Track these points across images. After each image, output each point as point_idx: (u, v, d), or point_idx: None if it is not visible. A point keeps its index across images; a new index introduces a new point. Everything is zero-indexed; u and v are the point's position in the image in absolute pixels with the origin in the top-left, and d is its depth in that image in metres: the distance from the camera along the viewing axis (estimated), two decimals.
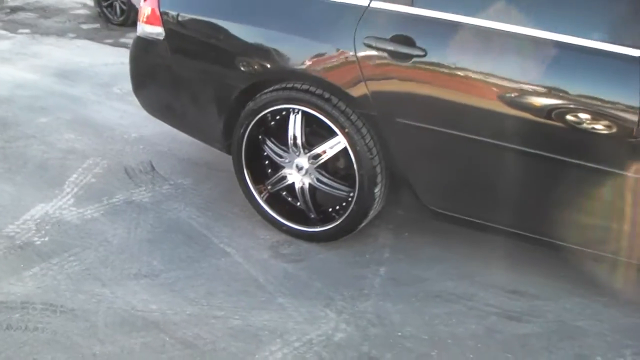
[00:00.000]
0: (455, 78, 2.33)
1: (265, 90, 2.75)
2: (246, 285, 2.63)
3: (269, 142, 2.88)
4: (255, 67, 2.73)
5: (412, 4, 2.40)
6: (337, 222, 2.79)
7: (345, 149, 2.66)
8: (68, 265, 2.73)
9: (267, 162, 2.97)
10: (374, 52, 2.45)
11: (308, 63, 2.61)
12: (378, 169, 2.63)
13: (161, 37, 2.98)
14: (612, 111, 2.09)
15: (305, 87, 2.65)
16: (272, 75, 2.72)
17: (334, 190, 2.79)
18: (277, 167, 2.93)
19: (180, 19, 2.92)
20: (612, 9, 2.15)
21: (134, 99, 3.44)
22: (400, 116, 2.48)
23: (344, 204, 2.82)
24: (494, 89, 2.27)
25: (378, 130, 2.56)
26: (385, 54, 2.44)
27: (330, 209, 2.88)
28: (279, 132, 2.86)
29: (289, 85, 2.68)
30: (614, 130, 2.09)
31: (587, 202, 2.27)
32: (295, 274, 2.71)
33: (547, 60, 2.19)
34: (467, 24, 2.30)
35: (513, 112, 2.24)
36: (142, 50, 3.14)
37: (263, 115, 2.78)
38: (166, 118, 3.30)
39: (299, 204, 2.95)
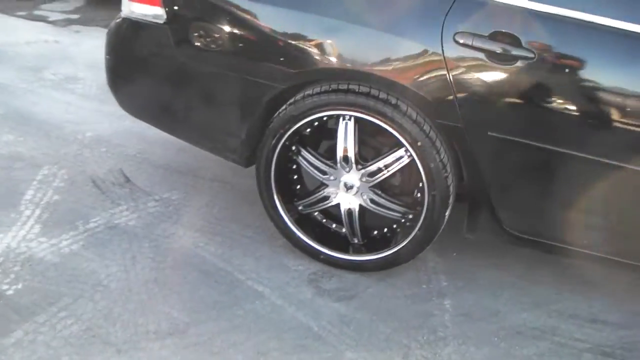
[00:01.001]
0: (570, 87, 1.95)
1: (309, 93, 2.23)
2: (301, 337, 2.12)
3: (307, 155, 2.35)
4: (303, 63, 2.18)
5: None
6: (394, 250, 2.34)
7: (408, 165, 2.24)
8: (61, 325, 2.08)
9: (295, 177, 2.48)
10: (467, 51, 2.00)
11: (375, 61, 2.11)
12: (451, 189, 2.21)
13: (160, 21, 2.34)
14: None
15: (364, 89, 2.16)
16: (324, 75, 2.20)
17: (390, 213, 2.35)
18: (314, 185, 2.44)
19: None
20: None
21: (75, 86, 2.79)
22: (495, 129, 2.05)
23: (394, 226, 2.39)
24: (618, 100, 1.92)
25: (461, 144, 2.14)
26: (481, 54, 1.99)
27: (375, 233, 2.44)
28: (319, 143, 2.37)
29: (342, 87, 2.18)
30: None
31: None
32: (352, 316, 2.24)
33: None
34: (592, 22, 1.91)
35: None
36: (130, 36, 2.47)
37: (304, 123, 2.27)
38: (158, 121, 2.66)
39: (334, 226, 2.49)
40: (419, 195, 2.28)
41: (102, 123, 3.26)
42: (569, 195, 2.08)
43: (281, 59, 2.20)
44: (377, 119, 2.16)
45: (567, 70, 1.93)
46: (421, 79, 2.07)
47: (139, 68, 2.53)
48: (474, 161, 2.15)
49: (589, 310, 2.36)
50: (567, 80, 1.94)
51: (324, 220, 2.49)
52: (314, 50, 2.15)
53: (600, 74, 1.92)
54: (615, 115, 1.91)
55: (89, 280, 2.28)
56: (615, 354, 2.18)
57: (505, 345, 2.17)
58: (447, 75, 2.03)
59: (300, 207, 2.46)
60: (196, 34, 2.32)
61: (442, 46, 2.02)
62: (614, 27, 1.88)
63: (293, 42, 2.17)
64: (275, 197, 2.41)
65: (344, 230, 2.46)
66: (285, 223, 2.44)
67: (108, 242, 2.48)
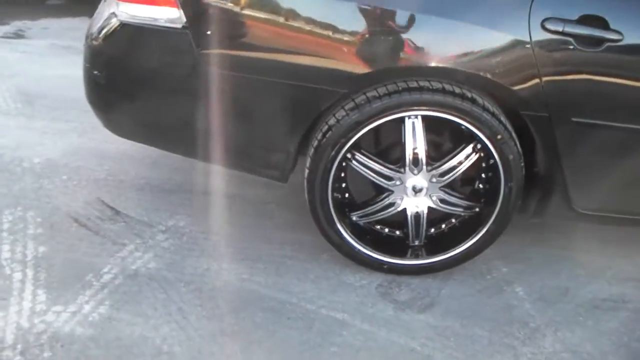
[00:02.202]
0: None
1: (374, 95, 1.97)
2: None
3: (366, 161, 2.10)
4: (373, 62, 1.92)
5: None
6: (465, 247, 2.23)
7: (479, 159, 2.11)
8: None
9: (343, 185, 2.23)
10: (556, 38, 1.88)
11: (456, 55, 1.92)
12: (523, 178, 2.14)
13: (177, 25, 1.92)
14: None
15: (438, 86, 1.97)
16: (398, 74, 1.95)
17: (458, 210, 2.21)
18: (366, 192, 2.22)
19: None
20: None
21: None
22: (579, 115, 1.99)
23: (453, 221, 2.27)
24: None
25: (544, 132, 2.04)
26: (570, 39, 1.89)
27: (432, 232, 2.29)
28: (379, 147, 2.13)
29: (414, 85, 1.95)
30: None
31: None
32: (444, 325, 2.09)
33: None
34: None
35: None
36: (133, 45, 2.01)
37: (370, 128, 2.02)
38: (167, 142, 2.25)
39: (387, 230, 2.30)
40: (487, 187, 2.18)
41: (44, 144, 2.68)
42: None
43: (344, 59, 1.91)
44: (454, 115, 1.99)
45: None
46: (507, 69, 1.92)
47: (147, 82, 2.07)
48: (554, 147, 2.07)
49: (637, 270, 2.47)
50: None
51: (378, 227, 2.29)
52: (387, 48, 1.91)
53: None
54: None
55: (146, 350, 1.87)
56: None
57: (592, 323, 2.17)
58: (536, 64, 1.90)
59: (354, 218, 2.23)
60: (228, 36, 1.94)
61: (530, 34, 1.88)
62: None
63: (360, 39, 1.90)
64: (333, 212, 2.16)
65: (397, 232, 2.29)
66: (344, 238, 2.20)
67: (139, 295, 2.06)
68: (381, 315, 2.11)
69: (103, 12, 2.14)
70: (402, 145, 2.07)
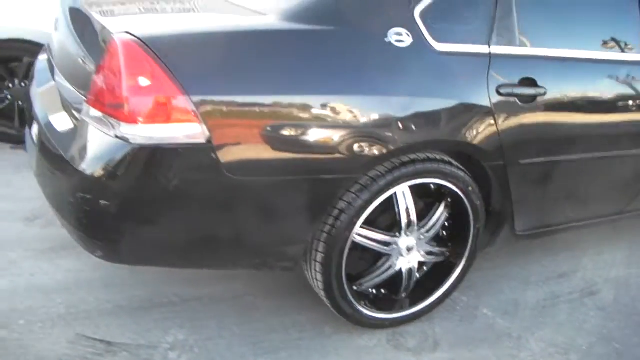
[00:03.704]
0: (572, 108, 2.48)
1: (375, 175, 2.18)
2: None
3: (366, 232, 2.29)
4: (379, 147, 2.11)
5: (525, 44, 2.34)
6: (446, 287, 2.53)
7: (452, 210, 2.44)
8: None
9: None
10: (507, 99, 2.30)
11: (444, 128, 2.22)
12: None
13: (201, 140, 1.90)
14: None
15: (423, 156, 2.25)
16: (399, 153, 2.17)
17: (441, 258, 2.52)
18: (373, 261, 2.42)
19: (235, 103, 1.92)
20: None
21: None
22: (524, 157, 2.44)
23: (424, 268, 2.55)
24: (606, 108, 2.59)
25: (500, 176, 2.43)
26: (515, 99, 2.33)
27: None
28: (376, 218, 2.32)
29: (406, 160, 2.21)
30: None
31: None
32: (456, 355, 2.39)
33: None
34: (575, 57, 2.47)
35: (621, 125, 2.65)
36: (152, 167, 1.90)
37: (375, 204, 2.21)
38: (184, 259, 2.16)
39: (380, 290, 2.49)
40: (454, 232, 2.51)
41: None
42: (575, 187, 2.69)
43: (354, 149, 2.08)
44: (439, 178, 2.31)
45: (567, 96, 2.45)
46: (475, 132, 2.29)
47: (170, 202, 1.97)
48: (507, 187, 2.48)
49: (547, 270, 3.04)
50: (570, 103, 2.47)
51: (374, 291, 2.48)
52: (388, 132, 2.12)
53: (589, 92, 2.52)
54: (602, 121, 2.56)
55: None
56: (594, 290, 2.91)
57: (550, 319, 2.68)
58: (495, 122, 2.30)
59: (355, 288, 2.39)
60: (249, 146, 1.98)
61: (490, 100, 2.27)
62: (593, 58, 2.49)
63: (366, 126, 2.08)
64: (347, 288, 2.30)
65: (382, 291, 2.50)
66: (358, 309, 2.38)
67: None
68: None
69: (82, 134, 2.00)
70: (397, 213, 2.32)
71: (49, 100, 2.44)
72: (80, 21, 2.30)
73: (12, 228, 2.89)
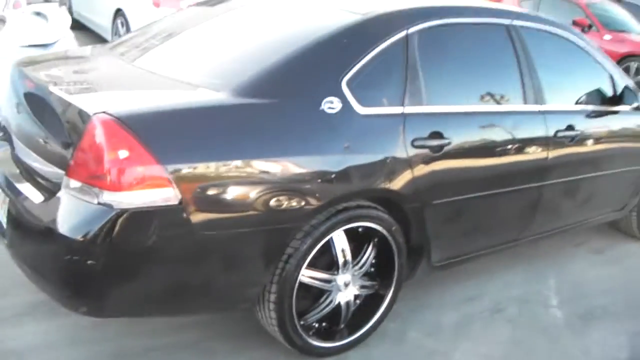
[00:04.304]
0: (472, 154, 3.02)
1: (317, 222, 2.56)
2: None
3: (310, 272, 2.65)
4: (320, 198, 2.50)
5: (431, 103, 2.84)
6: (380, 313, 2.92)
7: (378, 247, 2.85)
8: None
9: None
10: (420, 151, 2.78)
11: (375, 179, 2.68)
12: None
13: (175, 202, 2.21)
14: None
15: (354, 204, 2.67)
16: (336, 202, 2.57)
17: (372, 290, 2.90)
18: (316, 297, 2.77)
19: (201, 169, 2.27)
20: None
21: None
22: (436, 198, 2.92)
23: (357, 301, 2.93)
24: (499, 153, 3.14)
25: (416, 216, 2.87)
26: (427, 150, 2.81)
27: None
28: (317, 260, 2.68)
29: (340, 208, 2.62)
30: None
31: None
32: None
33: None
34: (471, 112, 3.02)
35: (513, 165, 3.22)
36: (134, 228, 2.20)
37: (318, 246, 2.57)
38: (161, 307, 2.45)
39: (324, 324, 2.84)
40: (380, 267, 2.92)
41: None
42: (480, 218, 3.20)
43: (298, 202, 2.46)
44: (370, 221, 2.73)
45: (468, 144, 2.97)
46: (397, 180, 2.73)
47: (149, 258, 2.26)
48: (423, 225, 2.92)
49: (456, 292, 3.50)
50: (470, 150, 2.97)
51: (316, 324, 2.81)
52: (324, 185, 2.52)
53: (484, 139, 3.06)
54: (499, 162, 3.13)
55: None
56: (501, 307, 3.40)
57: (478, 332, 3.10)
58: (412, 171, 2.76)
59: (302, 322, 2.71)
60: (214, 204, 2.32)
61: (407, 152, 2.73)
62: (485, 111, 3.06)
63: (309, 182, 2.48)
64: (297, 322, 2.64)
65: (323, 324, 2.85)
66: (307, 341, 2.72)
67: None
68: None
69: (64, 204, 2.25)
70: (334, 254, 2.70)
71: (13, 177, 2.66)
72: (41, 102, 2.57)
73: None
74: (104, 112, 2.19)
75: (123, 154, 2.14)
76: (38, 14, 4.77)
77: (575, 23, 9.93)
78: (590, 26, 10.12)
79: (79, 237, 2.18)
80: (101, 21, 8.45)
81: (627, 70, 9.74)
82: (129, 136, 2.15)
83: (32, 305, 2.93)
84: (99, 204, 2.18)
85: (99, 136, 2.15)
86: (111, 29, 8.23)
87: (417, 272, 3.11)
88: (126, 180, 2.15)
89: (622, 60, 9.77)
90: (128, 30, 7.66)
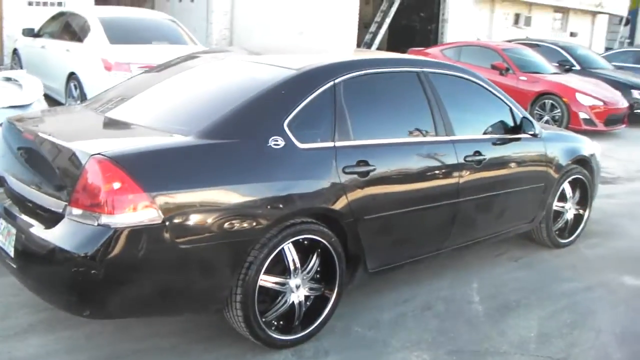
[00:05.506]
0: (394, 177, 3.72)
1: (271, 235, 3.19)
2: None
3: (267, 277, 3.27)
4: (271, 215, 3.16)
5: (357, 138, 3.52)
6: (327, 311, 3.54)
7: (322, 255, 3.47)
8: None
9: None
10: (350, 176, 3.48)
11: (316, 199, 3.38)
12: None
13: (158, 221, 2.85)
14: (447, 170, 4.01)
15: (299, 220, 3.32)
16: (285, 219, 3.22)
17: (319, 292, 3.49)
18: (275, 297, 3.37)
19: (177, 195, 2.91)
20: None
21: None
22: (367, 214, 3.60)
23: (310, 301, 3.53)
24: (417, 176, 3.87)
25: (351, 229, 3.52)
26: (356, 175, 3.51)
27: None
28: (272, 267, 3.30)
29: (289, 224, 3.27)
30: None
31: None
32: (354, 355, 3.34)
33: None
34: (392, 143, 3.72)
35: (430, 185, 3.91)
36: (127, 243, 2.80)
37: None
38: (150, 309, 3.07)
39: (281, 322, 3.43)
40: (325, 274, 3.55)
41: None
42: (408, 230, 3.89)
43: (255, 219, 3.12)
44: (313, 234, 3.39)
45: (390, 169, 3.65)
46: (333, 199, 3.42)
47: (137, 268, 2.86)
48: (358, 236, 3.58)
49: (400, 296, 4.11)
50: (392, 174, 3.65)
51: (275, 322, 3.40)
52: (275, 206, 3.20)
53: (404, 165, 3.74)
54: (419, 183, 3.83)
55: None
56: (430, 306, 4.02)
57: (410, 329, 3.72)
58: (345, 192, 3.45)
59: (264, 319, 3.30)
60: (188, 223, 2.94)
61: (339, 177, 3.42)
62: (404, 142, 3.76)
63: (260, 205, 3.15)
64: (259, 319, 3.23)
65: (281, 321, 3.44)
66: (269, 334, 3.31)
67: None
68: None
69: (68, 228, 2.84)
70: (286, 262, 3.32)
71: (17, 212, 3.23)
72: (39, 149, 3.19)
73: None
74: (99, 154, 2.83)
75: (116, 185, 2.78)
76: (9, 79, 5.34)
77: (494, 67, 11.05)
78: (507, 69, 11.17)
79: (84, 253, 2.79)
80: (54, 85, 8.89)
81: (542, 107, 10.85)
82: (120, 171, 2.80)
83: (31, 324, 3.48)
84: (98, 225, 2.80)
85: (97, 172, 2.79)
86: (65, 92, 8.77)
87: (356, 277, 3.77)
88: (119, 206, 2.78)
89: (538, 98, 10.87)
90: (82, 92, 8.23)
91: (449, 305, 4.11)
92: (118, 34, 8.42)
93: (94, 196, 2.79)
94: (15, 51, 10.82)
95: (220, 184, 3.05)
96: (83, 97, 8.05)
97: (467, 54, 11.60)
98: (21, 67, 9.89)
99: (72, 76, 8.57)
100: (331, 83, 3.59)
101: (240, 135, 3.21)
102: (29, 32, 10.16)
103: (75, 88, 8.46)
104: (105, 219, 2.78)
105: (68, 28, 9.33)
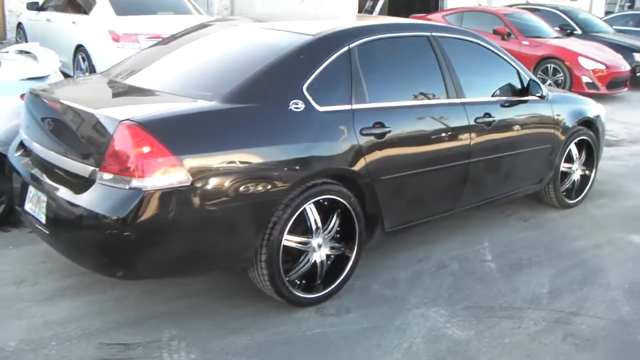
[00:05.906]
0: (409, 139, 3.80)
1: (294, 195, 3.29)
2: None
3: (291, 237, 3.39)
4: (293, 176, 3.26)
5: (372, 101, 3.60)
6: (348, 269, 3.66)
7: (342, 215, 3.58)
8: None
9: None
10: (367, 138, 3.56)
11: (335, 160, 3.47)
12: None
13: (187, 183, 2.94)
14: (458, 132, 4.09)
15: (321, 180, 3.41)
16: (307, 180, 3.33)
17: (341, 251, 3.62)
18: (298, 256, 3.50)
19: (204, 158, 3.00)
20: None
21: None
22: (384, 174, 3.71)
23: (331, 261, 3.64)
24: (430, 137, 3.96)
25: (368, 189, 3.63)
26: (372, 136, 3.59)
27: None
28: (296, 226, 3.42)
29: (309, 184, 3.38)
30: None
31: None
32: (373, 312, 3.47)
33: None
34: (406, 105, 3.82)
35: (442, 147, 4.01)
36: (159, 204, 2.90)
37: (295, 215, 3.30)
38: (181, 269, 3.18)
39: (304, 281, 3.56)
40: (344, 233, 3.66)
41: None
42: (424, 190, 4.00)
43: (278, 180, 3.22)
44: (335, 195, 3.49)
45: (405, 131, 3.76)
46: (351, 161, 3.52)
47: (167, 229, 2.96)
48: (375, 196, 3.68)
49: (415, 255, 4.23)
50: (408, 135, 3.75)
51: (298, 281, 3.51)
52: (296, 168, 3.30)
53: (418, 127, 3.84)
54: (434, 144, 3.91)
55: None
56: (445, 264, 4.13)
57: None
58: (362, 153, 3.54)
59: (288, 278, 3.42)
60: (215, 184, 3.04)
61: (357, 139, 3.50)
62: (412, 104, 3.86)
63: (284, 165, 3.25)
64: (284, 277, 3.35)
65: (303, 281, 3.55)
66: (293, 292, 3.44)
67: None
68: (335, 320, 3.45)
69: (99, 193, 2.94)
70: (308, 222, 3.41)
71: (46, 180, 3.32)
72: (66, 117, 3.27)
73: (6, 291, 3.62)
74: (128, 119, 2.91)
75: (146, 149, 2.87)
76: (23, 52, 5.38)
77: (495, 32, 11.06)
78: (509, 34, 11.21)
79: (116, 216, 2.88)
80: (62, 57, 8.81)
81: (545, 71, 10.90)
82: (149, 136, 2.88)
83: (60, 289, 3.61)
84: (129, 188, 2.89)
85: (126, 137, 2.87)
86: (72, 64, 8.82)
87: (374, 237, 3.88)
88: (149, 169, 2.87)
89: (540, 62, 10.92)
90: (90, 64, 8.27)
91: (463, 264, 4.24)
92: (123, 5, 8.43)
93: (124, 161, 2.87)
94: (19, 25, 10.82)
95: (244, 146, 3.13)
96: (92, 69, 8.09)
97: (469, 20, 11.60)
98: (26, 41, 9.91)
99: (79, 48, 8.60)
100: (346, 48, 3.66)
101: (262, 99, 3.30)
102: (34, 6, 10.15)
103: (84, 60, 8.50)
104: (136, 183, 2.86)
105: (73, 1, 9.32)
